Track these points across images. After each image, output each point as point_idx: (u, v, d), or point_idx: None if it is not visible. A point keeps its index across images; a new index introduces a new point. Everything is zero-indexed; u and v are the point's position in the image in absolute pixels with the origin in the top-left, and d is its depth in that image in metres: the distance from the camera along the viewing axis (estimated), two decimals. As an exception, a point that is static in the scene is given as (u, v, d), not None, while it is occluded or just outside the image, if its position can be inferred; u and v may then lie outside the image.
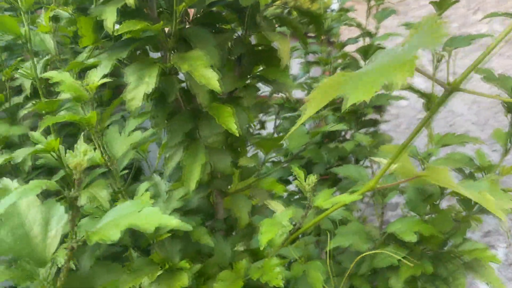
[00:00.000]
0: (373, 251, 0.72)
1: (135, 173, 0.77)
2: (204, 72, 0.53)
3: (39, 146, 0.57)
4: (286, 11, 0.86)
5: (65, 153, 0.60)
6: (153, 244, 0.60)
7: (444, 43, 0.85)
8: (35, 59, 0.65)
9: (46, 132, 0.71)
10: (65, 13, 0.63)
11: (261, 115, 1.19)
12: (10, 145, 0.75)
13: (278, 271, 0.58)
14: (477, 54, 0.39)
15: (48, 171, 0.84)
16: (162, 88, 0.61)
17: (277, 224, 0.59)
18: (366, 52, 0.94)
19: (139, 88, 0.54)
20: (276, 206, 0.69)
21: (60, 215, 0.40)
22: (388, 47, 0.48)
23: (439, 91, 0.50)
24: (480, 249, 0.71)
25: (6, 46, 0.76)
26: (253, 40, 0.69)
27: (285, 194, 1.09)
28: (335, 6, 1.25)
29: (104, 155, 0.53)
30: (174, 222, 0.34)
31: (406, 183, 0.74)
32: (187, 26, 0.60)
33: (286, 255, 0.73)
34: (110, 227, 0.33)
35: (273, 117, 1.16)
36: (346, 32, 1.49)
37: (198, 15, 0.63)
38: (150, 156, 0.93)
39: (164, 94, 0.62)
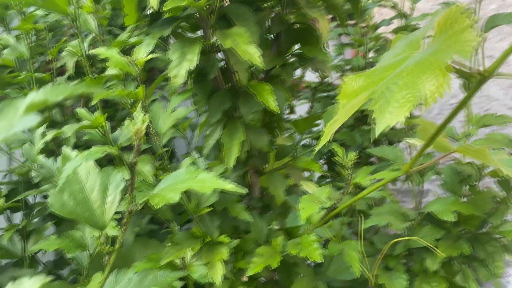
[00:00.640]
0: (407, 238, 0.72)
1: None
2: (247, 48, 0.53)
3: (85, 122, 0.60)
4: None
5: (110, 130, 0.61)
6: (195, 218, 0.61)
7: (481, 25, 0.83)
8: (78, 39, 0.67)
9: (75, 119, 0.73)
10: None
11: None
12: (54, 124, 0.78)
13: (317, 246, 0.59)
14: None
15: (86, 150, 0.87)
16: (202, 66, 0.62)
17: (316, 200, 0.60)
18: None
19: (182, 65, 0.55)
20: (309, 187, 0.70)
21: (117, 181, 0.42)
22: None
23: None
24: (520, 231, 0.70)
25: (49, 27, 0.79)
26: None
27: (315, 178, 1.10)
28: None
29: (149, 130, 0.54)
30: (229, 186, 0.35)
31: (442, 165, 0.73)
32: (227, 4, 0.61)
33: (320, 234, 0.74)
34: (169, 190, 0.35)
35: (302, 101, 1.16)
36: (376, 16, 1.46)
37: (238, -7, 0.64)
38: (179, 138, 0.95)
39: (203, 73, 0.63)
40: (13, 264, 0.83)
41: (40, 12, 0.77)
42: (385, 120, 0.31)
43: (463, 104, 0.43)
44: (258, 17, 0.62)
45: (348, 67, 1.10)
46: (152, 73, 1.05)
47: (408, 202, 1.29)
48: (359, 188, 0.75)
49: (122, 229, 0.38)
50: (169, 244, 0.60)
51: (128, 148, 0.75)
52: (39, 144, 0.58)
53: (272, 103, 0.58)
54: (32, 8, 0.79)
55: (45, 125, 0.74)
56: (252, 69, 0.65)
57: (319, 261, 0.57)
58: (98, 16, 0.75)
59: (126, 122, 0.61)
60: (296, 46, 0.71)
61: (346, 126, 0.96)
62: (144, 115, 0.35)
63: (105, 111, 0.88)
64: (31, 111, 0.22)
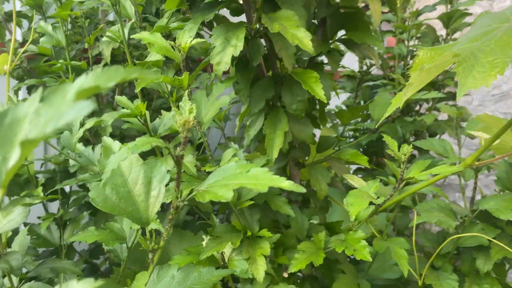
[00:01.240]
0: (458, 235, 0.67)
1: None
2: (296, 33, 0.50)
3: (125, 110, 0.58)
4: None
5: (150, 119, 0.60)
6: (235, 211, 0.59)
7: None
8: (115, 25, 0.65)
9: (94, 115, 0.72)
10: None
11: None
12: (91, 113, 0.77)
13: (365, 244, 0.56)
14: None
15: (121, 140, 0.86)
16: (244, 52, 0.59)
17: (364, 195, 0.56)
18: (449, 19, 0.86)
19: (226, 51, 0.53)
20: (355, 180, 0.66)
21: (162, 174, 0.39)
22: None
23: None
24: None
25: (86, 15, 0.78)
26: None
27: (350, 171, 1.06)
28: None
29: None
30: (286, 183, 0.32)
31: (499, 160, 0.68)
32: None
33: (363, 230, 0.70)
34: (219, 187, 0.32)
35: (339, 91, 1.12)
36: (417, 3, 1.39)
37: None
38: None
39: (245, 59, 0.60)
40: (50, 252, 0.83)
41: (76, -1, 0.76)
42: (468, 83, 0.29)
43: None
44: (304, 0, 0.59)
45: (386, 56, 1.05)
46: (185, 63, 1.03)
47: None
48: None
49: (167, 226, 0.35)
50: (209, 237, 0.58)
51: (166, 138, 0.73)
52: (80, 132, 0.56)
53: (319, 92, 0.55)
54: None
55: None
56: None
57: (367, 259, 0.54)
58: (135, 3, 0.73)
59: (168, 112, 0.59)
60: (340, 33, 0.67)
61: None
62: (191, 104, 0.33)
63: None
64: (81, 99, 0.20)
